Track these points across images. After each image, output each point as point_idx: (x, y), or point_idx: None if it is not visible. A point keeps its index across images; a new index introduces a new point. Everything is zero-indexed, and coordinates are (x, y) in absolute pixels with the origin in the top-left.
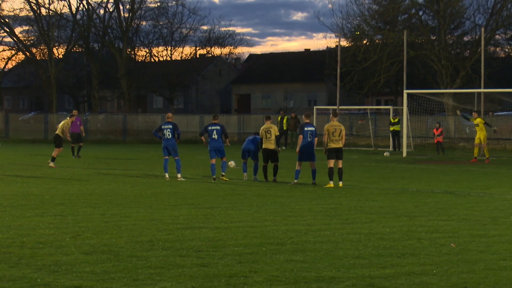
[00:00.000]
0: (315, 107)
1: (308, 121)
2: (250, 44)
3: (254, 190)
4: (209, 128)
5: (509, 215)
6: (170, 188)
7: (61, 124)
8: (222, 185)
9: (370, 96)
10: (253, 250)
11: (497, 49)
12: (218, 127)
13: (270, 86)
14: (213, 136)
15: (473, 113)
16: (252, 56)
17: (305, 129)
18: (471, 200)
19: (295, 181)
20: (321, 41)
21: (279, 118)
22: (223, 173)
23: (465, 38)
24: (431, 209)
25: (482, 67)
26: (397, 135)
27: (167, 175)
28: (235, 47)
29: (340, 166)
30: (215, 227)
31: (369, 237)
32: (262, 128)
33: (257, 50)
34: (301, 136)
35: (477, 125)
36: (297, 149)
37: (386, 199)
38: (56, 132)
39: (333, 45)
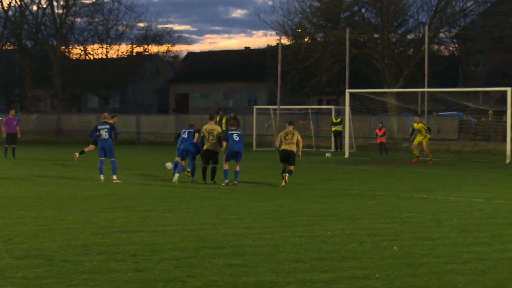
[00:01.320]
0: (255, 106)
1: (234, 128)
2: (188, 42)
3: (192, 192)
4: (229, 132)
5: (453, 218)
6: (105, 190)
7: None
8: (159, 187)
9: (311, 96)
10: (191, 254)
11: (441, 47)
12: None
13: (209, 85)
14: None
15: (415, 117)
16: (190, 55)
17: (230, 133)
18: (414, 202)
19: (226, 181)
20: (261, 39)
21: (217, 118)
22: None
23: (409, 36)
24: (373, 211)
25: (426, 66)
26: (339, 135)
27: (102, 177)
28: (173, 45)
29: (291, 168)
30: (152, 230)
31: (310, 240)
32: (205, 128)
33: (196, 48)
34: (224, 143)
35: (420, 130)
36: (224, 154)
37: (328, 201)
38: None
39: (273, 43)
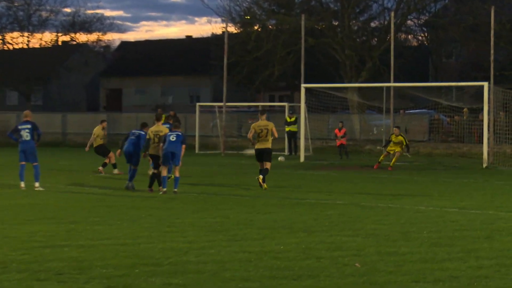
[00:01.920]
0: (198, 104)
1: (176, 129)
2: (121, 29)
3: (127, 201)
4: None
5: (422, 230)
6: (26, 199)
7: None
8: (87, 196)
9: (262, 91)
10: (125, 272)
11: (409, 36)
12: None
13: (146, 80)
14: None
15: (394, 128)
16: (124, 44)
17: (170, 133)
18: (379, 212)
19: (164, 189)
20: (205, 27)
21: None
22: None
23: (372, 24)
24: (332, 222)
25: (392, 58)
26: (293, 136)
27: (23, 184)
28: (104, 33)
29: (267, 167)
30: (80, 245)
31: (261, 256)
32: (151, 130)
33: (130, 36)
34: (161, 145)
35: (398, 143)
36: (160, 157)
37: (280, 212)
38: None
39: (219, 32)
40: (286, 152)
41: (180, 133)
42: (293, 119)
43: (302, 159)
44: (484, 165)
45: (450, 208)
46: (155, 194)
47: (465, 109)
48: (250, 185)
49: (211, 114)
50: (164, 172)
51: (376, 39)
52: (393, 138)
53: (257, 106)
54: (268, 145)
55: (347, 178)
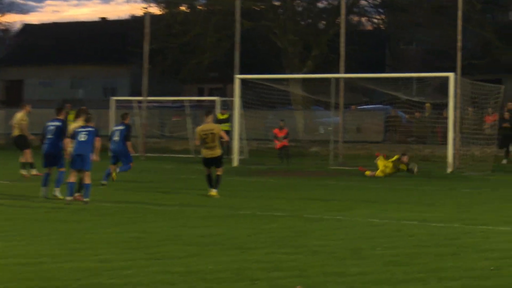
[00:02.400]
0: (113, 98)
1: (89, 124)
2: (23, 10)
3: (28, 213)
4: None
5: (376, 246)
6: None
7: None
8: None
9: (190, 83)
10: None
11: (363, 19)
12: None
13: (52, 69)
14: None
15: (403, 156)
16: (26, 28)
17: (77, 130)
18: (326, 225)
19: (70, 197)
20: (122, 7)
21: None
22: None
23: (320, 4)
24: (271, 238)
25: (342, 44)
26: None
27: None
28: (2, 14)
29: (219, 173)
30: None
31: (186, 277)
32: (72, 127)
33: (34, 18)
34: (69, 142)
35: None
36: (67, 156)
37: (210, 225)
38: None
39: (139, 13)
40: None
41: (92, 129)
42: (225, 116)
43: (235, 163)
44: (449, 170)
45: (409, 220)
46: (63, 204)
47: (427, 104)
48: (174, 194)
49: (129, 110)
50: (71, 177)
51: (324, 22)
52: (394, 162)
53: (183, 100)
54: (217, 152)
55: (288, 186)
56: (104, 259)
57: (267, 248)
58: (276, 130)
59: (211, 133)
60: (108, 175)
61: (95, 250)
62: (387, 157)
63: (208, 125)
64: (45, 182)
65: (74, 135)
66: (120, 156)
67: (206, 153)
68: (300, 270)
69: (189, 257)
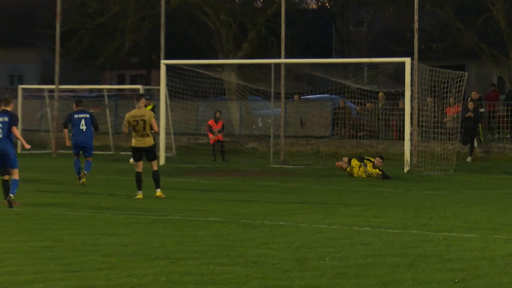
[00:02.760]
0: (20, 86)
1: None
2: None
3: None
4: None
5: (324, 256)
6: None
7: None
8: None
9: (108, 70)
10: None
11: None
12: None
13: None
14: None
15: (377, 159)
16: None
17: None
18: (267, 232)
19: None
20: None
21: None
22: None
23: None
24: (204, 247)
25: (283, 26)
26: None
27: None
28: None
29: (155, 168)
30: None
31: None
32: None
33: None
34: None
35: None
36: None
37: (133, 232)
38: None
39: None
40: None
41: (8, 116)
42: (149, 107)
43: (162, 161)
44: (406, 169)
45: (361, 226)
46: None
47: (380, 94)
48: (91, 196)
49: (38, 100)
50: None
51: (261, 0)
52: (369, 167)
53: (101, 89)
54: (149, 141)
55: (223, 187)
56: (12, 271)
57: (200, 259)
58: (211, 122)
59: (142, 120)
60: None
61: (1, 261)
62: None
63: (139, 111)
64: None
65: None
66: (87, 149)
67: (136, 142)
68: (237, 283)
69: (109, 269)
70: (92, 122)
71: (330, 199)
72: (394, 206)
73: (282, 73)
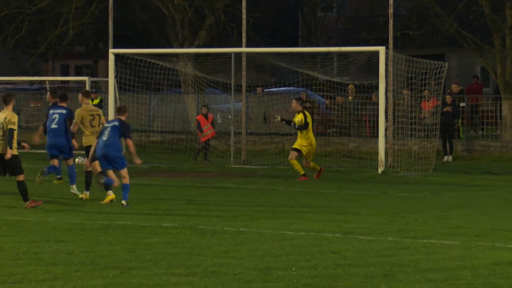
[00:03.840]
0: None
1: None
2: None
3: None
4: None
5: (290, 265)
6: None
7: None
8: None
9: (51, 60)
10: None
11: None
12: None
13: None
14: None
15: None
16: None
17: None
18: (227, 240)
19: None
20: None
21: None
22: None
23: None
24: (157, 255)
25: (244, 11)
26: None
27: None
28: None
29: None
30: None
31: None
32: None
33: None
34: None
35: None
36: None
37: (80, 240)
38: None
39: None
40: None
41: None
42: (96, 101)
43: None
44: (380, 170)
45: (331, 233)
46: None
47: (350, 86)
48: (34, 197)
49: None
50: None
51: None
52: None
53: (43, 81)
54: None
55: (178, 189)
56: None
57: (153, 269)
58: (200, 117)
59: (98, 115)
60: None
61: None
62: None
63: (91, 106)
64: None
65: None
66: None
67: (90, 140)
68: None
69: (54, 279)
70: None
71: (296, 203)
72: (367, 210)
73: (244, 63)
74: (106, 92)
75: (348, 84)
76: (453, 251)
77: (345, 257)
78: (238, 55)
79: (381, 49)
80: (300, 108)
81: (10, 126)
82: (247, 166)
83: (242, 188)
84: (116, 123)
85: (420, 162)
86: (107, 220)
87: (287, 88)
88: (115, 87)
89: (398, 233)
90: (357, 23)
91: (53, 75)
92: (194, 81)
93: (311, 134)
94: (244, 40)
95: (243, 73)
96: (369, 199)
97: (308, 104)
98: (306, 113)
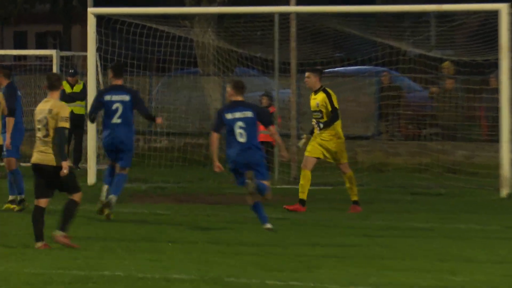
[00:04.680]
0: None
1: None
2: None
3: None
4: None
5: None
6: None
7: None
8: None
9: (1, 25)
10: None
11: None
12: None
13: None
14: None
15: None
16: None
17: None
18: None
19: None
20: None
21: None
22: None
23: None
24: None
25: None
26: (79, 126)
27: None
28: None
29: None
30: None
31: None
32: None
33: None
34: None
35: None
36: None
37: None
38: None
39: None
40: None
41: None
42: (79, 87)
43: (91, 179)
44: (505, 192)
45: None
46: None
47: (446, 64)
48: None
49: None
50: None
51: None
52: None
53: (9, 56)
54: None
55: (193, 222)
56: None
57: None
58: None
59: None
60: None
61: None
62: None
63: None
64: None
65: None
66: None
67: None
68: None
69: None
70: None
71: (374, 242)
72: (485, 254)
73: (293, 29)
74: (84, 73)
75: (444, 60)
76: None
77: None
78: (285, 17)
79: (503, 7)
80: (319, 85)
81: (61, 124)
82: (295, 187)
83: (291, 219)
84: (250, 113)
85: None
86: (86, 270)
87: (359, 67)
88: (97, 66)
89: None
90: None
91: (2, 47)
92: (217, 56)
93: (338, 127)
94: None
95: (292, 45)
96: (487, 238)
97: (391, 93)
98: (330, 91)
